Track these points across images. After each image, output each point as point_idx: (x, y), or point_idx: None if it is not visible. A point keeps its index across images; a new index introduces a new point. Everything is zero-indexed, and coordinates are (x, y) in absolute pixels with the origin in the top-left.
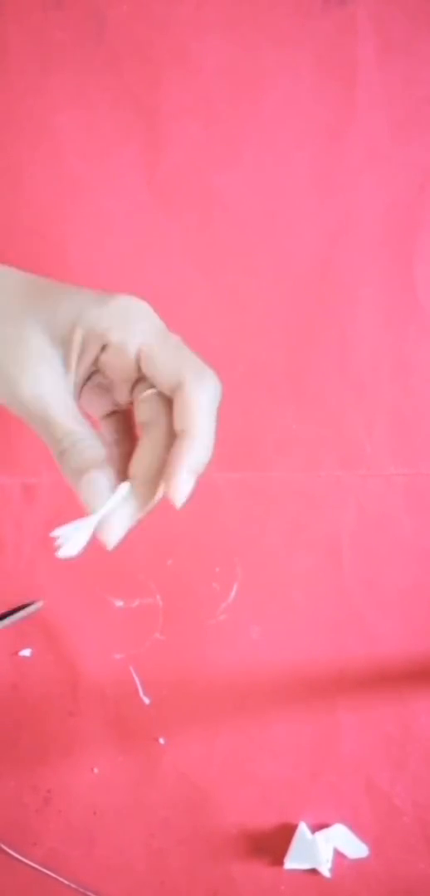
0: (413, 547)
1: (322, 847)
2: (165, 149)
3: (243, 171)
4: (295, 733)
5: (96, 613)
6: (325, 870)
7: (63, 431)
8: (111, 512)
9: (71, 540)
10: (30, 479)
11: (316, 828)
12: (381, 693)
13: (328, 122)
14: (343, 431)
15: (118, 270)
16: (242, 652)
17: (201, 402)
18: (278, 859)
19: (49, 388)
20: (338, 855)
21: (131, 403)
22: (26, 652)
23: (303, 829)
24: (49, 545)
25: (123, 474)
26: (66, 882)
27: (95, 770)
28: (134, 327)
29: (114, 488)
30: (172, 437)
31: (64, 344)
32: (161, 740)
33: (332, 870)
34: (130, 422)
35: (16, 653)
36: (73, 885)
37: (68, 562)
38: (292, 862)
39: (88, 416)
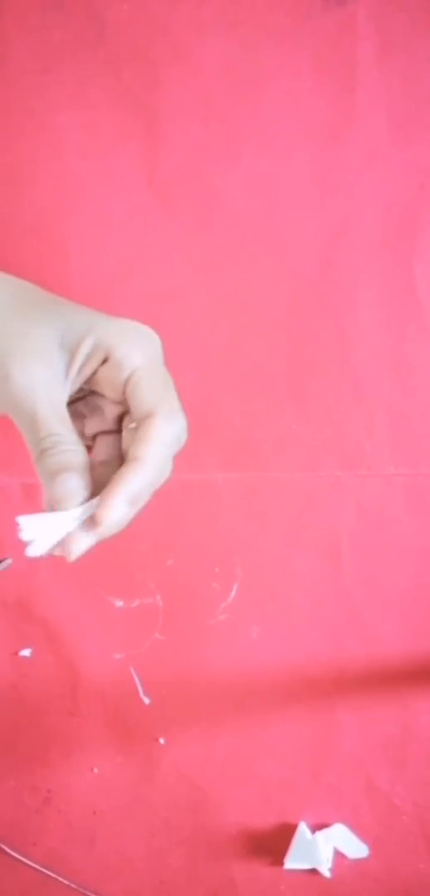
0: (413, 547)
1: (322, 847)
2: (165, 149)
3: (243, 171)
4: (295, 733)
5: (96, 613)
6: (325, 870)
7: (47, 431)
8: (77, 523)
9: (38, 539)
10: (30, 479)
11: (316, 828)
12: (381, 693)
13: (328, 122)
14: (343, 431)
15: (118, 270)
16: (242, 652)
17: (163, 437)
18: (278, 859)
19: (42, 386)
20: (338, 855)
21: (115, 432)
22: (26, 652)
23: (303, 829)
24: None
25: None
26: (66, 882)
27: (95, 770)
28: (137, 349)
29: (88, 495)
30: None
31: (71, 352)
32: (161, 740)
33: (332, 870)
34: (120, 445)
35: (16, 653)
36: (73, 885)
37: (68, 562)
38: (292, 862)
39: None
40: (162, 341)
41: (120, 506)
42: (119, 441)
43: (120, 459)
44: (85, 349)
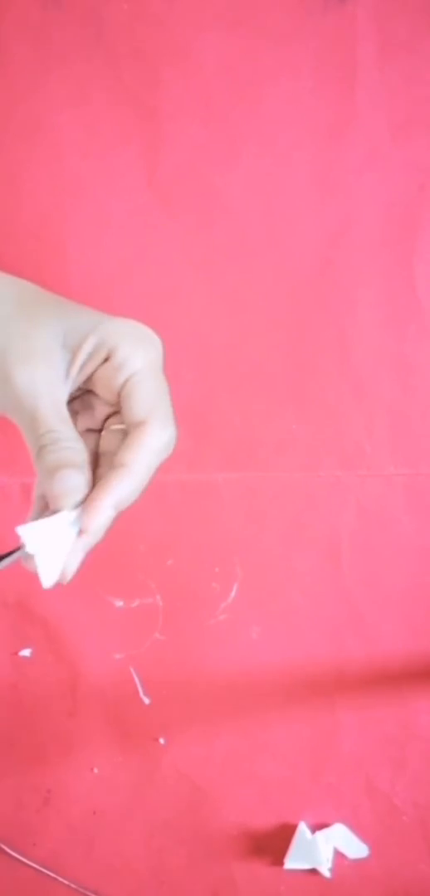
0: (413, 547)
1: (322, 847)
2: (165, 149)
3: (243, 170)
4: (295, 733)
5: (96, 613)
6: (325, 870)
7: (47, 427)
8: (76, 528)
9: (40, 549)
10: (30, 479)
11: (316, 828)
12: (381, 693)
13: (328, 122)
14: (343, 431)
15: (118, 270)
16: (242, 652)
17: (153, 446)
18: (278, 859)
19: (44, 386)
20: (338, 855)
21: (100, 431)
22: (26, 652)
23: (303, 829)
24: None
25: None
26: (66, 882)
27: (95, 770)
28: (138, 352)
29: (89, 492)
30: None
31: (72, 351)
32: (161, 740)
33: (332, 870)
34: (96, 447)
35: (16, 653)
36: (73, 885)
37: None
38: (292, 862)
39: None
40: (163, 343)
41: (106, 511)
42: (99, 440)
43: (96, 459)
44: (87, 348)
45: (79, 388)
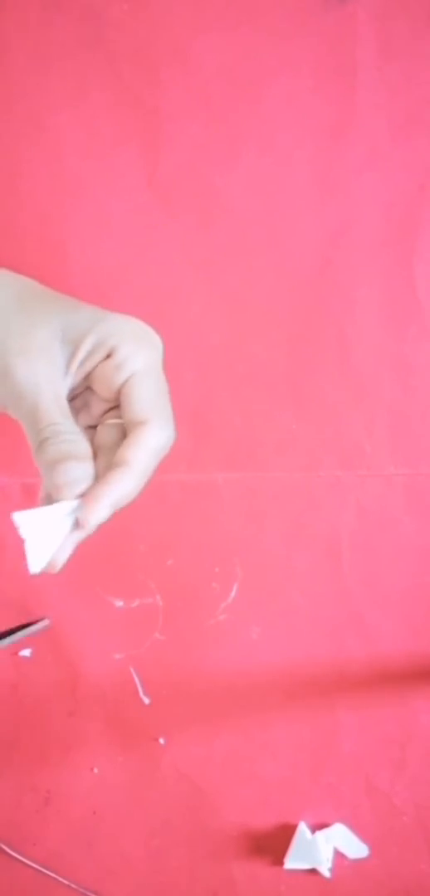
0: (413, 547)
1: (322, 847)
2: (165, 149)
3: (243, 170)
4: (295, 733)
5: (96, 613)
6: (325, 870)
7: (48, 421)
8: (72, 518)
9: (35, 537)
10: (30, 479)
11: (316, 828)
12: (381, 693)
13: (328, 122)
14: (343, 431)
15: (118, 270)
16: (242, 652)
17: (154, 446)
18: (278, 859)
19: (44, 379)
20: (338, 855)
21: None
22: (26, 652)
23: (303, 829)
24: None
25: None
26: (66, 882)
27: (95, 770)
28: (139, 351)
29: (90, 480)
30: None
31: (73, 346)
32: (161, 740)
33: (332, 870)
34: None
35: (16, 653)
36: (73, 885)
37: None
38: (292, 862)
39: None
40: (163, 342)
41: (105, 509)
42: (94, 435)
43: (93, 453)
44: (87, 345)
45: (77, 386)
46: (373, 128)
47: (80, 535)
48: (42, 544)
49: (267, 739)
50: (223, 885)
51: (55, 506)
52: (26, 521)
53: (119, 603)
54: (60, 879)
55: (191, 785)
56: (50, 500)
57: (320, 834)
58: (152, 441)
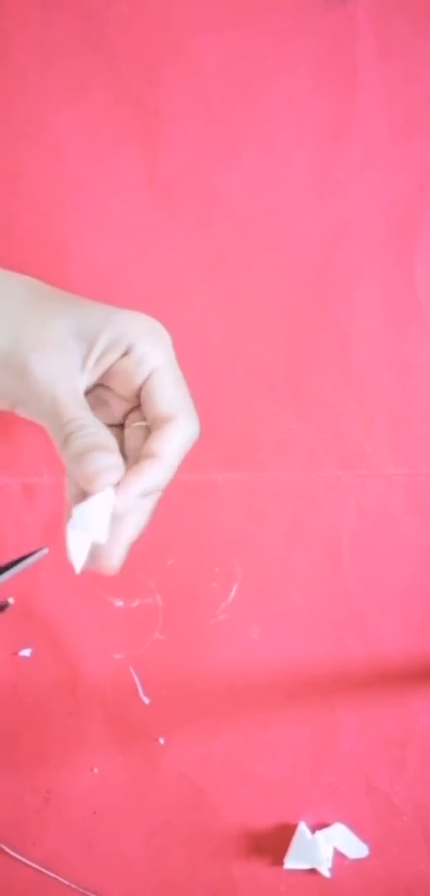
0: (413, 547)
1: (322, 847)
2: (165, 149)
3: (243, 171)
4: (295, 733)
5: (96, 613)
6: (325, 870)
7: (69, 415)
8: (112, 507)
9: (78, 548)
10: (30, 479)
11: (316, 828)
12: (381, 693)
13: (328, 122)
14: (343, 431)
15: (118, 270)
16: (242, 652)
17: (181, 440)
18: (278, 859)
19: (61, 374)
20: (338, 855)
21: (120, 426)
22: (26, 652)
23: (303, 829)
24: (49, 545)
25: None
26: (66, 882)
27: (95, 770)
28: (156, 348)
29: (123, 472)
30: None
31: (88, 342)
32: (161, 740)
33: (332, 870)
34: (120, 443)
35: (16, 653)
36: (73, 885)
37: (69, 562)
38: (292, 862)
39: None
40: (171, 336)
41: (134, 498)
42: (122, 437)
43: (124, 457)
44: (102, 342)
45: (94, 383)
46: (373, 128)
47: (130, 535)
48: (81, 541)
49: (267, 739)
50: (223, 885)
51: (90, 499)
52: (80, 513)
53: (119, 603)
54: (60, 879)
55: (191, 785)
56: (77, 498)
57: (320, 834)
58: (180, 435)
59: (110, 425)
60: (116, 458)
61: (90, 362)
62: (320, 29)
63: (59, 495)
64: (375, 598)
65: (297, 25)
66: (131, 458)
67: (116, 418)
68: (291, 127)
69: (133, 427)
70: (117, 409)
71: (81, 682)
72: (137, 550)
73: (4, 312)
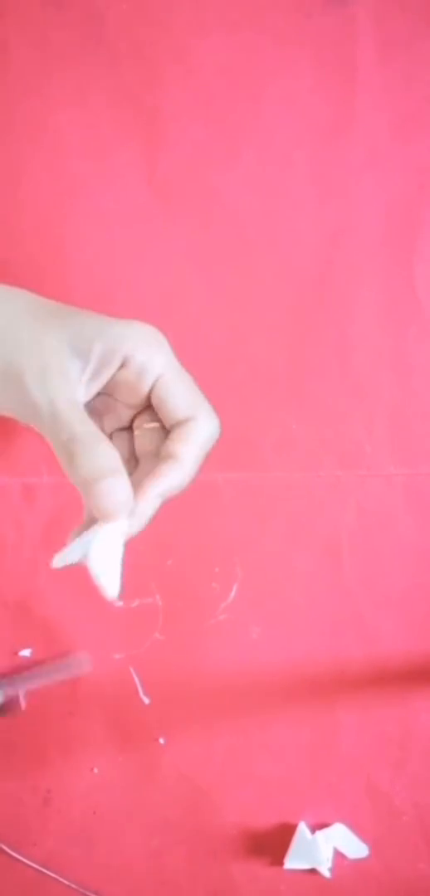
0: (413, 547)
1: (322, 847)
2: (165, 149)
3: (243, 170)
4: (295, 733)
5: (96, 613)
6: (325, 870)
7: (70, 432)
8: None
9: (109, 577)
10: (30, 479)
11: (316, 828)
12: (381, 693)
13: (328, 122)
14: (343, 431)
15: (118, 270)
16: (242, 652)
17: (203, 440)
18: (278, 859)
19: (59, 390)
20: (338, 855)
21: (129, 429)
22: (26, 652)
23: (303, 828)
24: (49, 545)
25: None
26: (66, 882)
27: (95, 770)
28: (155, 354)
29: (132, 497)
30: None
31: (82, 357)
32: (161, 740)
33: (332, 870)
34: (130, 446)
35: (16, 653)
36: (73, 885)
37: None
38: (292, 862)
39: None
40: (167, 338)
41: (156, 500)
42: (132, 439)
43: (135, 459)
44: (96, 355)
45: (95, 395)
46: (373, 128)
47: (130, 530)
48: (110, 567)
49: (267, 739)
50: (223, 885)
51: (110, 526)
52: (94, 553)
53: (119, 603)
54: (60, 879)
55: (191, 785)
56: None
57: (320, 834)
58: (202, 434)
59: (122, 429)
60: (125, 486)
61: (86, 377)
62: (320, 29)
63: (59, 495)
64: (375, 598)
65: (297, 26)
66: (144, 459)
67: (124, 423)
68: (290, 127)
69: (144, 429)
70: (125, 415)
71: (81, 682)
72: (136, 550)
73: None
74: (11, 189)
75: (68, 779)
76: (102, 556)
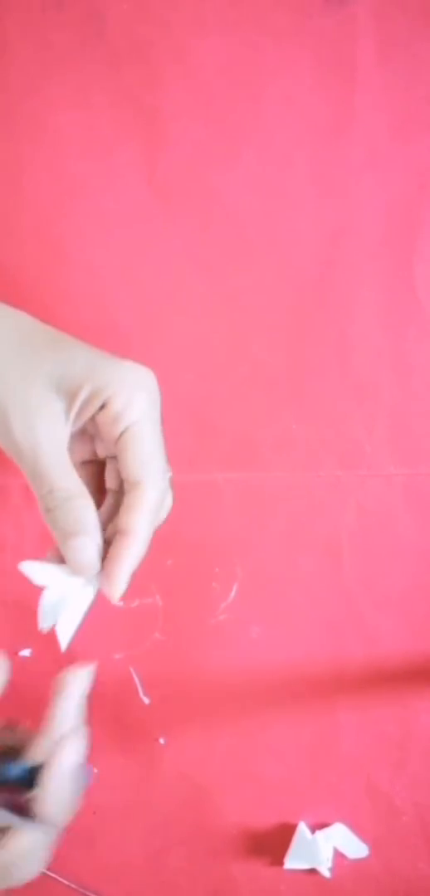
0: (413, 547)
1: (322, 847)
2: (165, 149)
3: (243, 170)
4: (295, 733)
5: (96, 613)
6: (325, 870)
7: (49, 485)
8: (94, 592)
9: (65, 626)
10: None
11: (316, 827)
12: (381, 693)
13: (328, 122)
14: (343, 431)
15: (118, 270)
16: (242, 652)
17: (150, 506)
18: (278, 859)
19: (43, 436)
20: (338, 855)
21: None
22: (26, 652)
23: (303, 828)
24: (49, 545)
25: None
26: (66, 882)
27: (95, 770)
28: (135, 401)
29: (101, 561)
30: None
31: (69, 396)
32: (161, 740)
33: (332, 870)
34: (102, 475)
35: (16, 653)
36: (73, 885)
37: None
38: (292, 862)
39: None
40: (158, 385)
41: (126, 579)
42: (100, 470)
43: (102, 488)
44: (83, 395)
45: (80, 429)
46: (373, 128)
47: (133, 564)
48: (69, 617)
49: (267, 739)
50: (223, 885)
51: (75, 579)
52: (50, 595)
53: (119, 603)
54: (60, 879)
55: (191, 785)
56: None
57: (320, 834)
58: (147, 504)
59: (93, 462)
60: (95, 548)
61: (72, 414)
62: (320, 29)
63: None
64: (375, 598)
65: (297, 26)
66: (110, 494)
67: (99, 454)
68: (290, 127)
69: (113, 464)
70: (100, 447)
71: None
72: None
73: None
74: (11, 189)
75: None
76: (67, 617)
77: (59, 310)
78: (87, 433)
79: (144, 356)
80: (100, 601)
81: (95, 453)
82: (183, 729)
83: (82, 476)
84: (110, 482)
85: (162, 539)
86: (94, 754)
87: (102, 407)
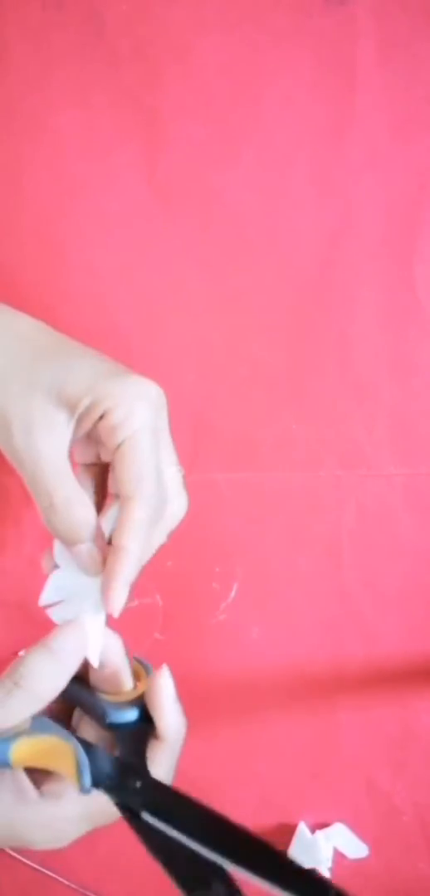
0: (413, 547)
1: (322, 847)
2: (165, 149)
3: (243, 170)
4: (295, 733)
5: None
6: (325, 870)
7: (50, 498)
8: (97, 595)
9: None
10: None
11: (316, 827)
12: (381, 693)
13: (328, 122)
14: (343, 431)
15: (118, 270)
16: (242, 652)
17: (141, 522)
18: None
19: (43, 448)
20: (338, 855)
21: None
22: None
23: (303, 829)
24: (49, 545)
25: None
26: (66, 882)
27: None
28: (136, 415)
29: (99, 562)
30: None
31: (70, 406)
32: None
33: (332, 870)
34: (106, 477)
35: (16, 653)
36: (73, 885)
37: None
38: None
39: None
40: (166, 396)
41: (123, 593)
42: (103, 472)
43: (105, 489)
44: (84, 405)
45: (83, 435)
46: (373, 128)
47: (132, 573)
48: (66, 609)
49: (267, 739)
50: None
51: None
52: (63, 564)
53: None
54: (60, 879)
55: (191, 784)
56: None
57: (320, 834)
58: (138, 521)
59: (97, 465)
60: (93, 555)
61: (73, 424)
62: (320, 29)
63: None
64: (375, 598)
65: (297, 25)
66: (110, 498)
67: (102, 460)
68: (290, 127)
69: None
70: (102, 453)
71: None
72: None
73: None
74: (11, 189)
75: None
76: (66, 608)
77: (60, 310)
78: (92, 437)
79: (144, 356)
80: None
81: (99, 456)
82: None
83: (87, 478)
84: (113, 487)
85: None
86: None
87: (102, 417)
